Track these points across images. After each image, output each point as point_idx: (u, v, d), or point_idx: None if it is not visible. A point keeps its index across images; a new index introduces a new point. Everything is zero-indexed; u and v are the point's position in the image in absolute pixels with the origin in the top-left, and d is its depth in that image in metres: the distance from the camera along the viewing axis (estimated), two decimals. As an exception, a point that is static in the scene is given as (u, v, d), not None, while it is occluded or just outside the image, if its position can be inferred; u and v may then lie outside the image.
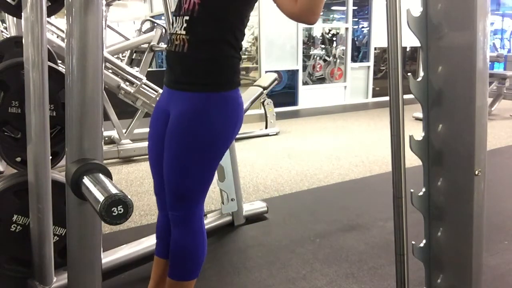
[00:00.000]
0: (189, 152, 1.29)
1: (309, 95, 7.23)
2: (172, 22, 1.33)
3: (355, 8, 7.67)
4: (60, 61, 2.34)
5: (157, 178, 1.45)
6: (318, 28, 7.71)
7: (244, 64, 7.04)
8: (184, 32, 1.25)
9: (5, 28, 3.85)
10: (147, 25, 4.69)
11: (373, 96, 7.81)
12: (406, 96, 1.11)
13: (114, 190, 0.78)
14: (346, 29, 7.34)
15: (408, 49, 8.80)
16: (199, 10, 1.24)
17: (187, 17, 1.25)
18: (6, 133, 1.72)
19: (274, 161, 3.88)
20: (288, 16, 1.23)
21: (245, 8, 1.29)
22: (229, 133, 1.33)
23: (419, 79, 1.20)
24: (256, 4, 1.36)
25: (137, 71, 4.03)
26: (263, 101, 4.96)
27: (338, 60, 7.56)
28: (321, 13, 1.23)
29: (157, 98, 3.96)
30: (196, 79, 1.27)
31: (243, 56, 5.00)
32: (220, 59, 1.28)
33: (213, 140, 1.29)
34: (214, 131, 1.28)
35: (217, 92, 1.28)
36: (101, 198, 0.77)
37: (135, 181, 3.39)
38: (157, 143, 1.39)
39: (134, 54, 4.60)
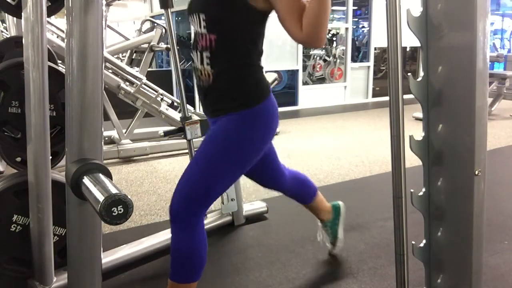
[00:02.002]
0: (216, 161, 1.37)
1: (309, 95, 7.23)
2: (191, 54, 1.43)
3: (355, 8, 7.67)
4: (60, 61, 2.34)
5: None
6: (318, 28, 7.70)
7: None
8: (208, 67, 1.35)
9: (5, 28, 3.85)
10: (147, 25, 4.68)
11: (373, 96, 7.81)
12: (406, 96, 1.11)
13: (114, 190, 0.78)
14: (346, 29, 7.34)
15: (408, 49, 8.80)
16: (216, 45, 1.33)
17: (207, 53, 1.35)
18: (6, 133, 1.72)
19: (274, 161, 3.87)
20: (295, 41, 1.31)
21: (258, 31, 1.38)
22: (258, 144, 1.44)
23: (419, 79, 1.20)
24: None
25: (137, 71, 4.03)
26: (263, 101, 4.96)
27: (338, 60, 7.56)
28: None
29: (157, 98, 3.97)
30: (227, 104, 1.38)
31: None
32: (245, 80, 1.38)
33: (240, 152, 1.39)
34: (243, 145, 1.39)
35: (247, 109, 1.38)
36: (101, 198, 0.78)
37: (135, 181, 3.39)
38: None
39: (134, 54, 4.60)
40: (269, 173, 1.73)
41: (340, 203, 2.05)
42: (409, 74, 1.22)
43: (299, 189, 1.89)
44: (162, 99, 4.10)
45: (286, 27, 1.30)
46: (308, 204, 1.94)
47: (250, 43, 1.37)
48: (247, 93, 1.38)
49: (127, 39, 4.78)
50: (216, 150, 1.38)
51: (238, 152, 1.39)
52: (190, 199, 1.35)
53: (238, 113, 1.37)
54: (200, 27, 1.35)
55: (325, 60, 7.65)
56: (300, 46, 6.88)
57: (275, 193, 3.00)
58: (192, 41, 1.43)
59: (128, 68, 3.95)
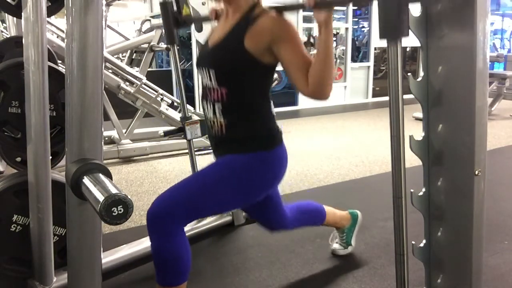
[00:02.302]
0: (210, 182, 1.39)
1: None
2: (202, 104, 1.48)
3: (355, 8, 7.67)
4: (60, 61, 2.34)
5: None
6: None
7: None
8: (221, 118, 1.40)
9: (5, 28, 3.85)
10: (147, 25, 4.68)
11: (373, 96, 7.81)
12: (406, 96, 1.11)
13: (114, 190, 0.78)
14: (346, 29, 7.34)
15: (408, 49, 8.80)
16: (228, 98, 1.38)
17: (219, 105, 1.39)
18: (6, 133, 1.72)
19: (274, 161, 3.87)
20: (302, 94, 1.34)
21: (267, 80, 1.43)
22: (261, 188, 1.46)
23: (419, 79, 1.21)
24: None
25: (137, 71, 4.03)
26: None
27: (338, 60, 7.56)
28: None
29: (157, 98, 3.97)
30: (240, 149, 1.42)
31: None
32: (257, 129, 1.42)
33: (239, 189, 1.41)
34: (245, 184, 1.41)
35: (259, 152, 1.41)
36: (101, 198, 0.78)
37: (135, 181, 3.39)
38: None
39: (134, 54, 4.60)
40: (272, 217, 1.72)
41: (358, 212, 2.07)
42: (409, 74, 1.22)
43: (306, 222, 1.89)
44: (162, 99, 4.09)
45: (292, 81, 1.34)
46: (321, 225, 1.95)
47: (260, 93, 1.42)
48: (259, 139, 1.42)
49: (127, 39, 4.78)
50: (216, 178, 1.40)
51: (235, 189, 1.40)
52: (174, 208, 1.34)
53: (252, 154, 1.41)
54: (211, 80, 1.40)
55: (325, 60, 7.63)
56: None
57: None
58: (201, 93, 1.48)
59: (128, 68, 3.95)
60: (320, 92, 1.29)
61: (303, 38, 7.11)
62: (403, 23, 1.02)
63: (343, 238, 2.05)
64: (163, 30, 3.81)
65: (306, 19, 6.79)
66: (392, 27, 1.03)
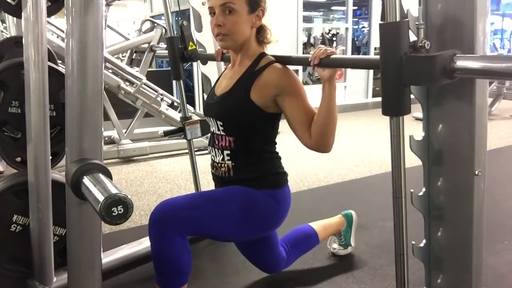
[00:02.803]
0: (210, 203, 1.41)
1: (309, 95, 7.21)
2: (211, 151, 1.52)
3: (355, 8, 7.67)
4: (60, 61, 2.34)
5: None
6: (318, 28, 7.70)
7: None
8: (229, 162, 1.45)
9: (5, 28, 3.85)
10: (147, 25, 4.68)
11: (373, 96, 7.81)
12: (406, 96, 1.11)
13: (114, 190, 0.78)
14: (346, 29, 7.34)
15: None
16: (235, 144, 1.43)
17: (227, 151, 1.44)
18: (6, 133, 1.71)
19: (274, 161, 3.88)
20: (305, 147, 1.39)
21: (273, 127, 1.48)
22: (265, 225, 1.49)
23: (419, 79, 1.20)
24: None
25: (137, 71, 4.03)
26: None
27: (338, 60, 7.55)
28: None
29: (157, 98, 3.97)
30: (245, 185, 1.44)
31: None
32: (264, 170, 1.46)
33: (243, 221, 1.42)
34: (246, 216, 1.42)
35: (266, 190, 1.44)
36: (101, 198, 0.78)
37: (135, 181, 3.39)
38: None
39: (134, 54, 4.60)
40: (267, 258, 1.72)
41: (352, 212, 2.06)
42: (409, 74, 1.21)
43: (301, 252, 1.88)
44: (162, 99, 4.10)
45: (296, 134, 1.38)
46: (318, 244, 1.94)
47: (267, 139, 1.47)
48: (267, 179, 1.45)
49: (127, 39, 4.78)
50: (223, 202, 1.41)
51: (239, 220, 1.41)
52: (178, 220, 1.34)
53: (258, 190, 1.43)
54: (218, 129, 1.44)
55: (325, 60, 7.63)
56: (300, 46, 6.89)
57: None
58: (209, 138, 1.53)
59: (128, 68, 3.95)
60: (323, 145, 1.32)
61: (303, 38, 7.12)
62: (404, 102, 1.05)
63: (342, 240, 2.05)
64: (163, 30, 3.81)
65: (306, 19, 6.79)
66: (394, 106, 1.06)
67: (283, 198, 1.49)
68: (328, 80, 1.28)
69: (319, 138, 1.31)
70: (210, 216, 1.38)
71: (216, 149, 1.48)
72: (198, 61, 2.19)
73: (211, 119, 1.47)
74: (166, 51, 2.24)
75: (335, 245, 2.07)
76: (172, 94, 5.46)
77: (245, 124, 1.41)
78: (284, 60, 1.43)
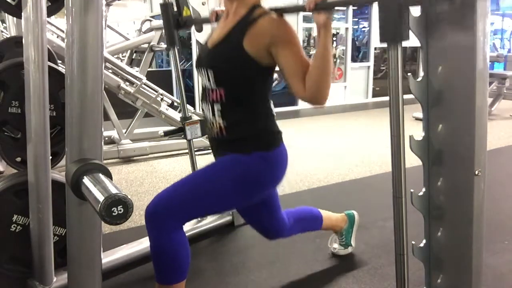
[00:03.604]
0: (206, 184, 1.39)
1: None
2: (202, 104, 1.47)
3: (355, 8, 7.67)
4: (60, 61, 2.34)
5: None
6: (318, 28, 7.71)
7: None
8: (220, 119, 1.40)
9: (5, 28, 3.85)
10: (147, 25, 4.68)
11: (373, 96, 7.81)
12: (406, 96, 1.11)
13: (114, 190, 0.78)
14: (346, 29, 7.34)
15: (408, 49, 8.79)
16: (226, 98, 1.37)
17: (218, 106, 1.39)
18: (6, 133, 1.72)
19: (274, 161, 3.87)
20: (299, 99, 1.35)
21: (266, 82, 1.42)
22: (259, 188, 1.45)
23: (419, 79, 1.20)
24: (257, 5, 1.38)
25: (137, 71, 4.02)
26: (263, 101, 4.95)
27: (338, 60, 7.55)
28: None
29: (157, 98, 3.97)
30: (237, 148, 1.41)
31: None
32: (257, 132, 1.42)
33: (228, 188, 1.39)
34: (243, 184, 1.40)
35: (258, 152, 1.40)
36: (101, 198, 0.77)
37: (135, 181, 3.39)
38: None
39: (134, 54, 4.60)
40: (268, 222, 1.69)
41: (354, 212, 2.06)
42: (409, 74, 1.22)
43: (303, 229, 1.88)
44: (162, 99, 4.09)
45: (290, 85, 1.33)
46: (318, 229, 1.94)
47: (259, 93, 1.41)
48: (258, 140, 1.42)
49: (127, 39, 4.78)
50: (215, 177, 1.40)
51: (234, 189, 1.39)
52: (172, 208, 1.34)
53: (247, 154, 1.40)
54: (209, 81, 1.40)
55: (325, 60, 7.63)
56: (300, 46, 6.88)
57: (275, 193, 3.01)
58: (201, 94, 1.48)
59: (128, 68, 3.94)
60: (317, 97, 1.29)
61: (303, 38, 7.12)
62: (403, 26, 1.02)
63: (342, 239, 2.05)
64: (163, 31, 3.82)
65: (306, 19, 6.79)
66: (392, 31, 1.03)
67: (278, 159, 1.44)
68: (324, 26, 1.25)
69: (314, 89, 1.27)
70: (204, 194, 1.37)
71: (207, 104, 1.43)
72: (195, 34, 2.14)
73: (203, 70, 1.41)
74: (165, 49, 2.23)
75: (336, 245, 2.07)
76: (172, 94, 5.46)
77: (237, 74, 1.36)
78: (279, 10, 1.37)
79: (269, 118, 1.45)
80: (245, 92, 1.38)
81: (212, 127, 1.43)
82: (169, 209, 1.33)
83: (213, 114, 1.41)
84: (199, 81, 6.22)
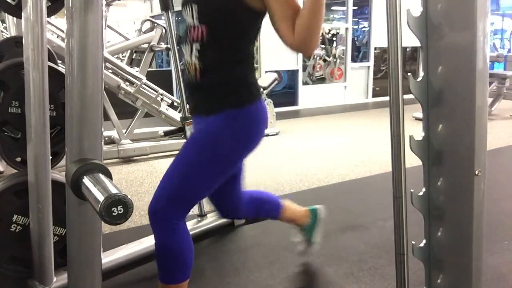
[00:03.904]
0: (196, 161, 1.35)
1: (309, 95, 7.23)
2: (183, 48, 1.40)
3: (355, 8, 7.67)
4: (60, 61, 2.34)
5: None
6: (318, 28, 7.71)
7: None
8: (196, 61, 1.32)
9: (5, 28, 3.85)
10: (147, 25, 4.68)
11: (373, 96, 7.81)
12: (406, 96, 1.11)
13: (114, 190, 0.78)
14: (346, 29, 7.34)
15: (408, 49, 8.80)
16: (207, 37, 1.30)
17: (197, 45, 1.32)
18: (6, 133, 1.72)
19: (274, 161, 3.88)
20: (287, 46, 1.29)
21: (251, 28, 1.34)
22: (241, 147, 1.40)
23: (419, 79, 1.20)
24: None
25: (137, 71, 4.03)
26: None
27: (338, 60, 7.56)
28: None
29: (157, 98, 3.98)
30: (212, 103, 1.35)
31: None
32: (233, 80, 1.34)
33: (222, 154, 1.36)
34: (225, 147, 1.35)
35: (235, 109, 1.34)
36: (101, 198, 0.77)
37: (135, 181, 3.39)
38: None
39: (134, 54, 4.60)
40: (226, 198, 1.64)
41: (319, 207, 1.97)
42: (409, 74, 1.22)
43: (260, 213, 1.82)
44: (162, 99, 4.10)
45: (278, 30, 1.28)
46: (276, 218, 1.86)
47: (241, 39, 1.33)
48: (235, 92, 1.34)
49: (127, 39, 4.78)
50: (197, 152, 1.36)
51: (220, 156, 1.35)
52: (169, 200, 1.33)
53: (223, 114, 1.33)
54: (193, 18, 1.32)
55: (325, 60, 7.65)
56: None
57: (275, 193, 3.00)
58: (183, 35, 1.39)
59: (128, 68, 3.95)
60: (305, 45, 1.24)
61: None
62: None
63: (305, 236, 1.98)
64: (163, 30, 3.81)
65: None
66: None
67: (252, 117, 1.37)
68: None
69: (302, 36, 1.22)
70: (194, 176, 1.34)
71: (187, 44, 1.35)
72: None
73: (187, 6, 1.34)
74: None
75: (299, 240, 2.00)
76: (172, 94, 5.46)
77: (222, 11, 1.29)
78: None
79: (248, 68, 1.37)
80: (228, 33, 1.31)
81: (189, 69, 1.36)
82: (168, 206, 1.33)
83: (191, 55, 1.33)
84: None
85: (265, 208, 1.81)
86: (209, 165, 1.35)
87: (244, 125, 1.36)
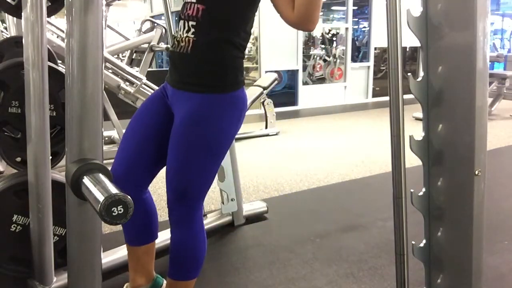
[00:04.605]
0: (196, 151, 1.32)
1: (309, 95, 7.23)
2: (177, 24, 1.36)
3: (355, 8, 7.67)
4: (60, 61, 2.34)
5: (134, 151, 1.42)
6: (318, 28, 7.70)
7: (244, 64, 7.08)
8: (191, 35, 1.29)
9: (5, 28, 3.85)
10: (147, 25, 4.68)
11: (373, 96, 7.81)
12: (406, 96, 1.11)
13: (114, 190, 0.78)
14: (346, 29, 7.35)
15: (408, 49, 8.80)
16: (203, 15, 1.28)
17: (192, 22, 1.29)
18: (6, 133, 1.72)
19: (274, 161, 3.88)
20: (287, 23, 1.27)
21: (248, 9, 1.32)
22: (233, 132, 1.38)
23: (419, 79, 1.20)
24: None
25: (137, 71, 4.02)
26: (263, 101, 4.96)
27: (338, 60, 7.56)
28: (320, 16, 1.27)
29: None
30: (202, 80, 1.31)
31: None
32: (224, 60, 1.31)
33: (219, 139, 1.33)
34: (220, 131, 1.32)
35: (222, 93, 1.31)
36: (101, 198, 0.77)
37: (135, 181, 3.39)
38: (149, 119, 1.42)
39: (134, 54, 4.60)
40: (154, 165, 1.50)
41: (165, 282, 1.63)
42: (409, 74, 1.22)
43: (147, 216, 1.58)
44: (162, 99, 4.09)
45: (277, 7, 1.27)
46: (147, 243, 1.57)
47: (237, 19, 1.31)
48: (224, 74, 1.31)
49: (127, 39, 4.78)
50: (193, 138, 1.31)
51: (217, 138, 1.32)
52: (180, 193, 1.34)
53: (213, 96, 1.30)
54: None
55: (325, 60, 7.65)
56: (300, 46, 6.89)
57: (275, 193, 3.01)
58: (180, 12, 1.36)
59: (128, 68, 3.95)
60: (306, 20, 1.23)
61: (303, 38, 7.12)
62: None
63: None
64: (163, 30, 3.82)
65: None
66: None
67: (242, 102, 1.35)
68: None
69: (303, 10, 1.20)
70: (199, 167, 1.32)
71: (182, 21, 1.32)
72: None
73: None
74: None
75: None
76: (172, 94, 5.45)
77: None
78: None
79: (239, 53, 1.34)
80: (224, 11, 1.29)
81: (180, 42, 1.32)
82: (183, 198, 1.34)
83: (184, 30, 1.31)
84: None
85: (151, 216, 1.60)
86: (210, 151, 1.33)
87: (236, 110, 1.34)
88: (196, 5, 1.28)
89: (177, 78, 1.36)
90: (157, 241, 1.59)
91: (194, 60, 1.31)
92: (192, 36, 1.29)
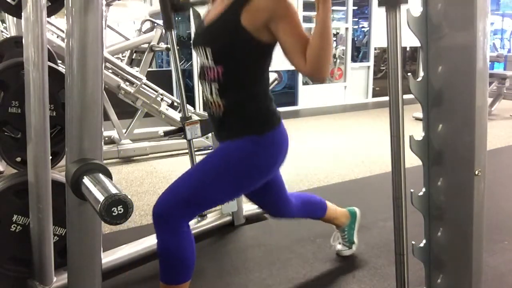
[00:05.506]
0: (216, 175, 1.39)
1: (309, 95, 7.22)
2: (201, 85, 1.46)
3: (355, 8, 7.67)
4: (60, 61, 2.34)
5: None
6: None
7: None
8: (218, 98, 1.38)
9: (5, 28, 3.85)
10: (147, 25, 4.68)
11: (373, 96, 7.81)
12: (406, 96, 1.11)
13: (114, 190, 0.78)
14: (346, 29, 7.34)
15: (408, 49, 8.80)
16: (224, 77, 1.35)
17: (215, 85, 1.37)
18: (6, 133, 1.72)
19: (274, 161, 3.87)
20: (301, 74, 1.37)
21: (265, 59, 1.40)
22: (261, 172, 1.45)
23: (419, 79, 1.20)
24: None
25: (137, 71, 4.03)
26: (263, 101, 4.95)
27: (338, 60, 7.55)
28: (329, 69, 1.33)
29: (157, 98, 3.97)
30: (236, 132, 1.41)
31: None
32: (254, 110, 1.41)
33: (239, 175, 1.40)
34: (245, 166, 1.40)
35: (256, 136, 1.40)
36: (101, 198, 0.77)
37: (135, 181, 3.39)
38: None
39: (134, 54, 4.60)
40: (275, 202, 1.72)
41: (356, 209, 2.07)
42: (409, 74, 1.22)
43: (307, 213, 1.88)
44: (162, 99, 4.09)
45: (290, 60, 1.32)
46: (320, 219, 1.95)
47: (257, 73, 1.40)
48: (255, 121, 1.41)
49: (127, 39, 4.78)
50: (214, 166, 1.40)
51: (235, 176, 1.40)
52: (179, 203, 1.35)
53: (245, 138, 1.39)
54: (207, 59, 1.37)
55: (325, 60, 7.63)
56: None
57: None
58: (199, 72, 1.46)
59: (128, 68, 3.95)
60: (318, 71, 1.28)
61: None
62: None
63: (345, 236, 2.05)
64: (163, 30, 3.80)
65: (306, 19, 6.79)
66: None
67: (274, 142, 1.44)
68: (322, 1, 1.23)
69: (314, 64, 1.27)
70: (207, 190, 1.38)
71: (205, 83, 1.42)
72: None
73: (200, 48, 1.39)
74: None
75: (339, 246, 2.06)
76: (172, 94, 5.46)
77: (235, 51, 1.34)
78: None
79: (266, 99, 1.44)
80: (243, 70, 1.36)
81: (211, 106, 1.42)
82: (174, 209, 1.34)
83: (211, 93, 1.40)
84: (199, 85, 6.23)
85: (311, 208, 1.89)
86: (225, 184, 1.40)
87: (266, 152, 1.42)
88: (215, 68, 1.36)
89: (217, 133, 1.50)
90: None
91: (229, 121, 1.41)
92: (220, 98, 1.38)
